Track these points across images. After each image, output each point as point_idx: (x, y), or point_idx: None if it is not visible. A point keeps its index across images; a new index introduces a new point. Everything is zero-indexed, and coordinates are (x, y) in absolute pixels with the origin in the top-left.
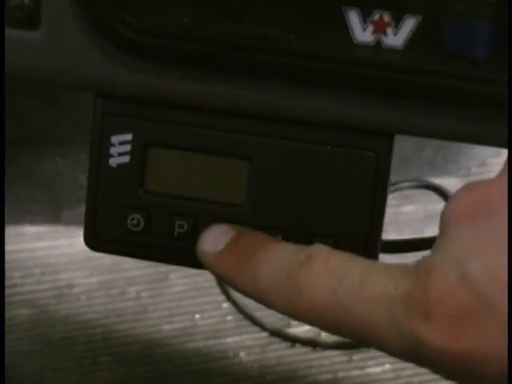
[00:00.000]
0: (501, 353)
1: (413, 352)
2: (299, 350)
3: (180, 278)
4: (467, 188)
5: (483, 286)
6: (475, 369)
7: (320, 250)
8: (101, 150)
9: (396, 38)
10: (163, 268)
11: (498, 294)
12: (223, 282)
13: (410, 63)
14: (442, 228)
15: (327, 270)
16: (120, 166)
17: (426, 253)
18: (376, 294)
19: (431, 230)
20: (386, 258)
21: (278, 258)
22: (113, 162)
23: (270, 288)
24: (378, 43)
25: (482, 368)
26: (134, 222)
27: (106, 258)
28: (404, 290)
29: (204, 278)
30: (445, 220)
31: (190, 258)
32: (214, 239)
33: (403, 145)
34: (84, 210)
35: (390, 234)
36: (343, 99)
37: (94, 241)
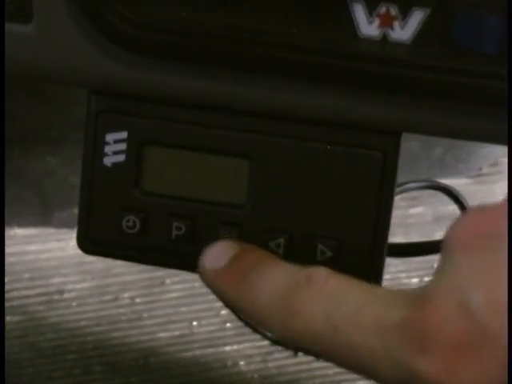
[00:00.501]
0: None
1: None
2: (302, 359)
3: (176, 284)
4: (474, 212)
5: (484, 317)
6: None
7: (319, 272)
8: (95, 149)
9: (403, 32)
10: (159, 273)
11: (499, 327)
12: (223, 303)
13: (418, 58)
14: (444, 253)
15: (324, 294)
16: (115, 165)
17: (433, 258)
18: (371, 322)
19: (440, 233)
20: (392, 262)
21: (276, 278)
22: (107, 161)
23: (265, 309)
24: (385, 37)
25: None
26: (130, 223)
27: (98, 263)
28: (400, 319)
29: (202, 284)
30: (448, 245)
31: (187, 262)
32: (216, 256)
33: (411, 144)
34: (76, 211)
35: (397, 236)
36: (348, 96)
37: (88, 243)
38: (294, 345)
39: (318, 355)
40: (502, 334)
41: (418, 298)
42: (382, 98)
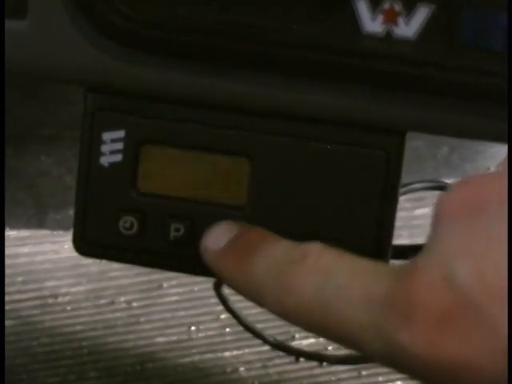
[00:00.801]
0: (487, 363)
1: (393, 357)
2: (304, 364)
3: (174, 287)
4: (462, 182)
5: (470, 290)
6: (458, 379)
7: (313, 248)
8: (91, 148)
9: (408, 29)
10: (156, 276)
11: (486, 299)
12: (222, 283)
13: (423, 55)
14: (432, 225)
15: (317, 268)
16: (112, 164)
17: None
18: (360, 295)
19: None
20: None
21: (271, 255)
22: (104, 160)
23: (261, 286)
24: (389, 34)
25: (465, 379)
26: (127, 224)
27: (93, 266)
28: (386, 291)
29: (200, 287)
30: (436, 216)
31: (186, 264)
32: (217, 236)
33: (416, 143)
34: (71, 212)
35: (402, 238)
36: (350, 94)
37: (84, 245)
38: (289, 321)
39: (310, 330)
40: (488, 305)
41: (405, 270)
42: (385, 95)
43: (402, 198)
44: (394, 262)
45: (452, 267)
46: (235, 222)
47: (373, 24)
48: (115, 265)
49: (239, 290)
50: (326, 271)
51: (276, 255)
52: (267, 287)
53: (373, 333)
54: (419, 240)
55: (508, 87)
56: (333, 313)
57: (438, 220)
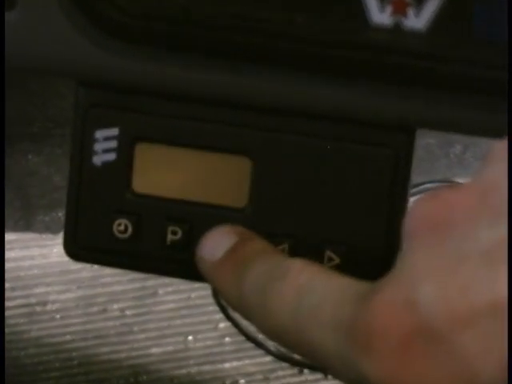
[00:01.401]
0: None
1: None
2: (308, 376)
3: (170, 294)
4: (429, 197)
5: (433, 314)
6: None
7: (294, 264)
8: (83, 147)
9: (417, 20)
10: (151, 282)
11: (450, 325)
12: (220, 297)
13: (433, 48)
14: (402, 243)
15: (294, 288)
16: (105, 164)
17: None
18: (328, 318)
19: None
20: None
21: (261, 272)
22: (97, 159)
23: (248, 304)
24: (398, 26)
25: None
26: (121, 227)
27: (84, 271)
28: (349, 316)
29: (198, 294)
30: (404, 233)
31: (184, 269)
32: (214, 245)
33: (428, 141)
34: (60, 214)
35: None
36: (357, 89)
37: (75, 249)
38: (272, 341)
39: (289, 349)
40: (453, 331)
41: (368, 293)
42: (393, 90)
43: (411, 199)
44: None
45: (415, 290)
46: (232, 229)
47: (381, 15)
48: (107, 270)
49: (230, 305)
50: (302, 290)
51: (262, 273)
52: (251, 305)
53: (338, 359)
54: None
55: (508, 79)
56: (306, 335)
57: (404, 237)
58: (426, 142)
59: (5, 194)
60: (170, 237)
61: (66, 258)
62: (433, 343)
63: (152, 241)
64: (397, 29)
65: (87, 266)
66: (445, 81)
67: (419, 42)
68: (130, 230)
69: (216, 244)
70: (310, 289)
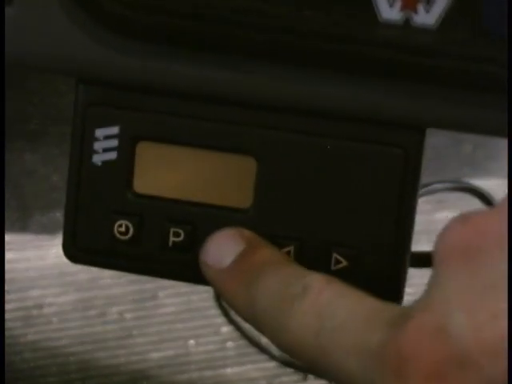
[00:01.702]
0: None
1: None
2: (312, 382)
3: (171, 297)
4: (461, 219)
5: (465, 343)
6: None
7: (315, 282)
8: (83, 145)
9: (428, 16)
10: (151, 284)
11: (482, 354)
12: (223, 301)
13: (445, 45)
14: (433, 265)
15: (315, 307)
16: (105, 163)
17: None
18: (353, 342)
19: None
20: (416, 273)
21: (274, 285)
22: (97, 159)
23: (260, 315)
24: (408, 22)
25: None
26: (122, 229)
27: (82, 273)
28: (378, 341)
29: (199, 297)
30: (435, 257)
31: (186, 272)
32: (220, 251)
33: (437, 140)
34: (58, 215)
35: (421, 244)
36: (365, 86)
37: (75, 251)
38: (284, 353)
39: (307, 366)
40: (484, 361)
41: (399, 319)
42: (403, 88)
43: (420, 200)
44: (414, 271)
45: (447, 318)
46: (239, 233)
47: (390, 11)
48: (106, 272)
49: (239, 314)
50: (324, 312)
51: (277, 285)
52: (265, 318)
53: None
54: None
55: (508, 77)
56: (326, 356)
57: (436, 261)
58: (435, 141)
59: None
60: (172, 238)
61: (64, 260)
62: (464, 371)
63: (153, 242)
64: (407, 25)
65: (85, 268)
66: (455, 78)
67: (430, 39)
68: (130, 231)
69: (222, 250)
70: (333, 311)
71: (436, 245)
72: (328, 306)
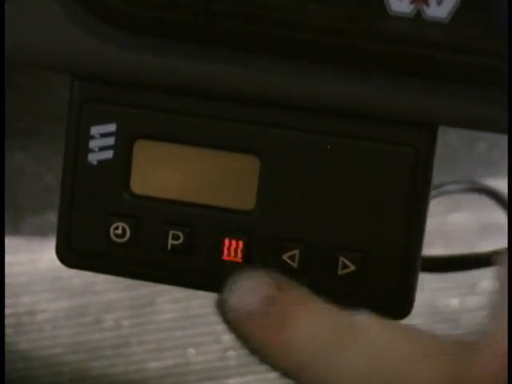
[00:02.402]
0: None
1: None
2: None
3: (169, 303)
4: None
5: None
6: None
7: (362, 320)
8: (78, 144)
9: (440, 9)
10: (148, 290)
11: None
12: (248, 346)
13: (457, 39)
14: (496, 293)
15: (369, 349)
16: (101, 163)
17: (477, 274)
18: (415, 381)
19: (486, 244)
20: (428, 278)
21: (315, 328)
22: (93, 158)
23: (300, 361)
24: (419, 14)
25: None
26: (119, 231)
27: (76, 278)
28: (449, 379)
29: (199, 303)
30: (497, 282)
31: (185, 277)
32: (247, 294)
33: (450, 138)
34: (51, 217)
35: (433, 248)
36: (374, 82)
37: (69, 255)
38: None
39: None
40: None
41: (464, 352)
42: (413, 84)
43: (433, 202)
44: (426, 276)
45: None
46: (265, 273)
47: (401, 3)
48: (101, 277)
49: (269, 361)
50: (379, 351)
51: (319, 327)
52: (307, 363)
53: None
54: (454, 250)
55: (508, 74)
56: None
57: (499, 287)
58: (447, 139)
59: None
60: (171, 241)
61: (57, 264)
62: None
63: (151, 246)
64: (417, 18)
65: (79, 272)
66: (468, 74)
67: (441, 33)
68: (127, 233)
69: (249, 291)
70: (390, 349)
71: (498, 269)
72: (382, 346)
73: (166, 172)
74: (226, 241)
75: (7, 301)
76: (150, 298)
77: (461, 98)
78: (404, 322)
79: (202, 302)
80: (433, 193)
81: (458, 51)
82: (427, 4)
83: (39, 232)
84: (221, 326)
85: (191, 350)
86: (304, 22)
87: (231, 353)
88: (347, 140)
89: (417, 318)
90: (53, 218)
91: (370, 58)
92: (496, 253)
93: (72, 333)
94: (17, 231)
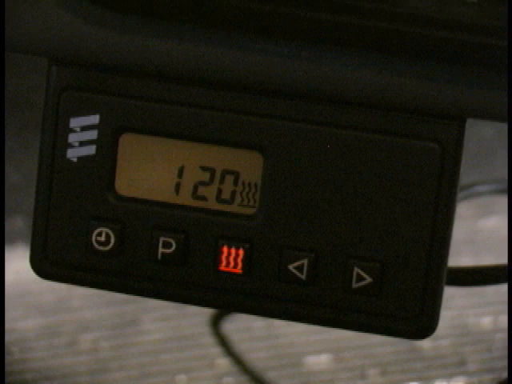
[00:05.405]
0: None
1: None
2: None
3: (156, 321)
4: None
5: None
6: None
7: None
8: (56, 138)
9: None
10: (131, 306)
11: None
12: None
13: (485, 20)
14: None
15: None
16: (82, 159)
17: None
18: None
19: None
20: (456, 293)
21: None
22: (72, 154)
23: None
24: None
25: None
26: (102, 238)
27: (49, 294)
28: None
29: (191, 322)
30: None
31: (177, 290)
32: None
33: (481, 133)
34: (20, 221)
35: (462, 258)
36: (396, 70)
37: (45, 265)
38: None
39: None
40: None
41: None
42: (438, 71)
43: (461, 205)
44: (454, 290)
45: None
46: None
47: None
48: (78, 292)
49: None
50: None
51: None
52: None
53: None
54: (484, 259)
55: (507, 69)
56: None
57: None
58: (479, 133)
59: None
60: (161, 250)
61: (26, 277)
62: None
63: (139, 254)
64: None
65: (51, 286)
66: (500, 60)
67: (469, 13)
68: (112, 241)
69: None
70: None
71: None
72: None
73: (155, 170)
74: (224, 249)
75: None
76: (133, 315)
77: (492, 86)
78: (429, 342)
79: (193, 321)
80: (460, 194)
81: (488, 33)
82: None
83: (6, 238)
84: (216, 349)
85: (182, 377)
86: (315, 2)
87: (228, 379)
88: (364, 134)
89: (443, 339)
90: (21, 222)
91: (389, 40)
92: None
93: (44, 356)
94: None
